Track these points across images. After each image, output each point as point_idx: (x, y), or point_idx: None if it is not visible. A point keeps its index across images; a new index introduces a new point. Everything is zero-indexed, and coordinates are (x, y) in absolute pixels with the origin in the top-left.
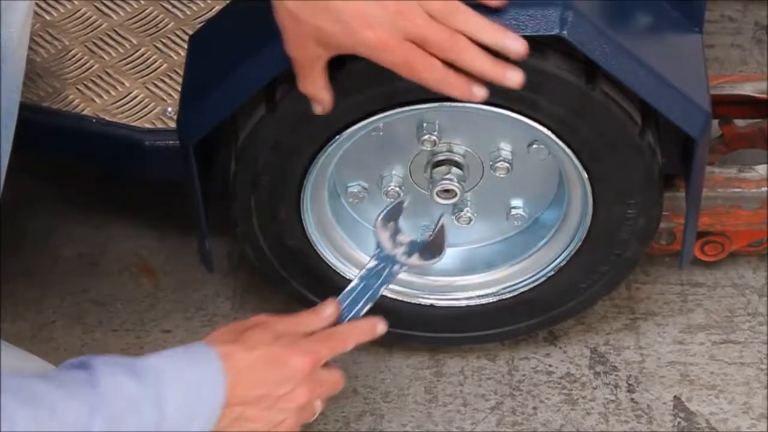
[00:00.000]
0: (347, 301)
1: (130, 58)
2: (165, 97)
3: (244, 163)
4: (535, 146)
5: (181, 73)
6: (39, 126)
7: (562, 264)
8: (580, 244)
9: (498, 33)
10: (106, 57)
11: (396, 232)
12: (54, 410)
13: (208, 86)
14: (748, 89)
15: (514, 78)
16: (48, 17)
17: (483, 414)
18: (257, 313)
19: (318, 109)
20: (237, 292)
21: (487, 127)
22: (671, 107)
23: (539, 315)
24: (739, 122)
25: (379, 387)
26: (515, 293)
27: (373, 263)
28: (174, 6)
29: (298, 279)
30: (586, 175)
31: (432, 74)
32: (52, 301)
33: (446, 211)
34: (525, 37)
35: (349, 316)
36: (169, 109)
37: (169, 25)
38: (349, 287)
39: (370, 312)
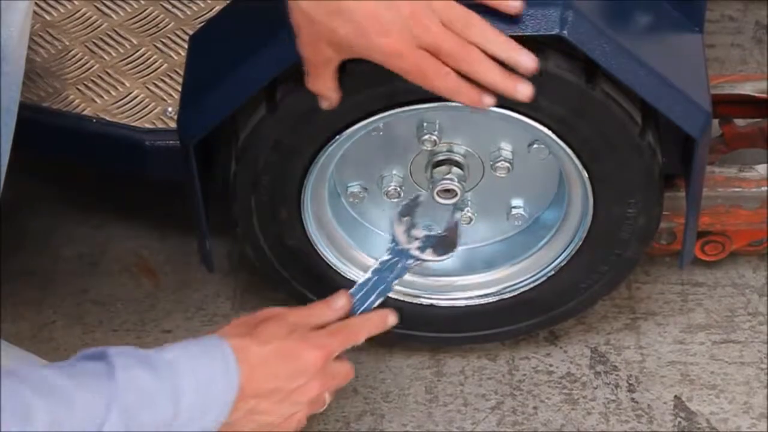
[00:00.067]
0: (360, 294)
1: (130, 58)
2: (165, 97)
3: (245, 163)
4: (535, 146)
5: (181, 73)
6: (39, 126)
7: (562, 264)
8: (580, 243)
9: (510, 47)
10: (106, 57)
11: (411, 226)
12: (71, 402)
13: (209, 86)
14: (748, 89)
15: (524, 91)
16: (48, 17)
17: (483, 414)
18: None
19: (325, 105)
20: (237, 292)
21: (487, 127)
22: (671, 107)
23: (540, 315)
24: (740, 122)
25: (380, 387)
26: (516, 293)
27: (386, 256)
28: (174, 6)
29: (298, 279)
30: (587, 175)
31: (445, 83)
32: (53, 301)
33: (459, 208)
34: (525, 37)
35: (361, 309)
36: (170, 109)
37: (170, 25)
38: (361, 280)
39: None
